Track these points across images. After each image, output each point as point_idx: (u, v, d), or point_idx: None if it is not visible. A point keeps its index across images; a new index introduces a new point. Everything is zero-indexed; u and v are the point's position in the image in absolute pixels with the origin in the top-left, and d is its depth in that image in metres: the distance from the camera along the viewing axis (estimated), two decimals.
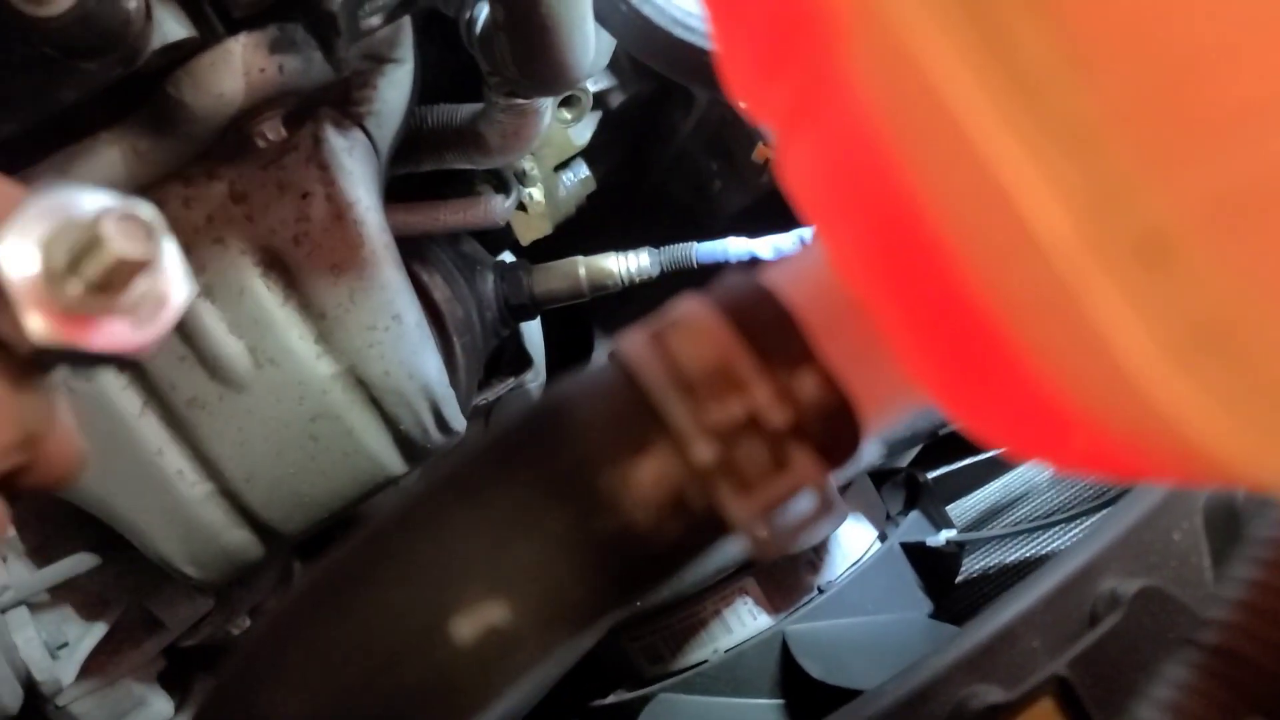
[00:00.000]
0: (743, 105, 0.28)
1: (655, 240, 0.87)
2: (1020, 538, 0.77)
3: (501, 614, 0.26)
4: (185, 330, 0.62)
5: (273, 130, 0.59)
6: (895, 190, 0.21)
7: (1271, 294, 0.14)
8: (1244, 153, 0.13)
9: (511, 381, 0.95)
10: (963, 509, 0.88)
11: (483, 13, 0.60)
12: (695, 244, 0.85)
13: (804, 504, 0.27)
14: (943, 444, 0.87)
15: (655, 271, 0.85)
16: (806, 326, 0.27)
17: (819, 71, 0.23)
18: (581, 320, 1.07)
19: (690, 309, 0.28)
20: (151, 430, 0.64)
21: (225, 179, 0.62)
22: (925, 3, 0.16)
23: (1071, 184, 0.15)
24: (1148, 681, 0.35)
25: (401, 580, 0.26)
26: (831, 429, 0.27)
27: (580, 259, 0.85)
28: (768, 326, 0.27)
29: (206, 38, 0.55)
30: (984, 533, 0.78)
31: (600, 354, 1.10)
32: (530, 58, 0.57)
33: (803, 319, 0.27)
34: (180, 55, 0.55)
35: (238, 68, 0.56)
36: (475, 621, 0.26)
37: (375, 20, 0.51)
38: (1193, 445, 0.16)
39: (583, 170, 1.02)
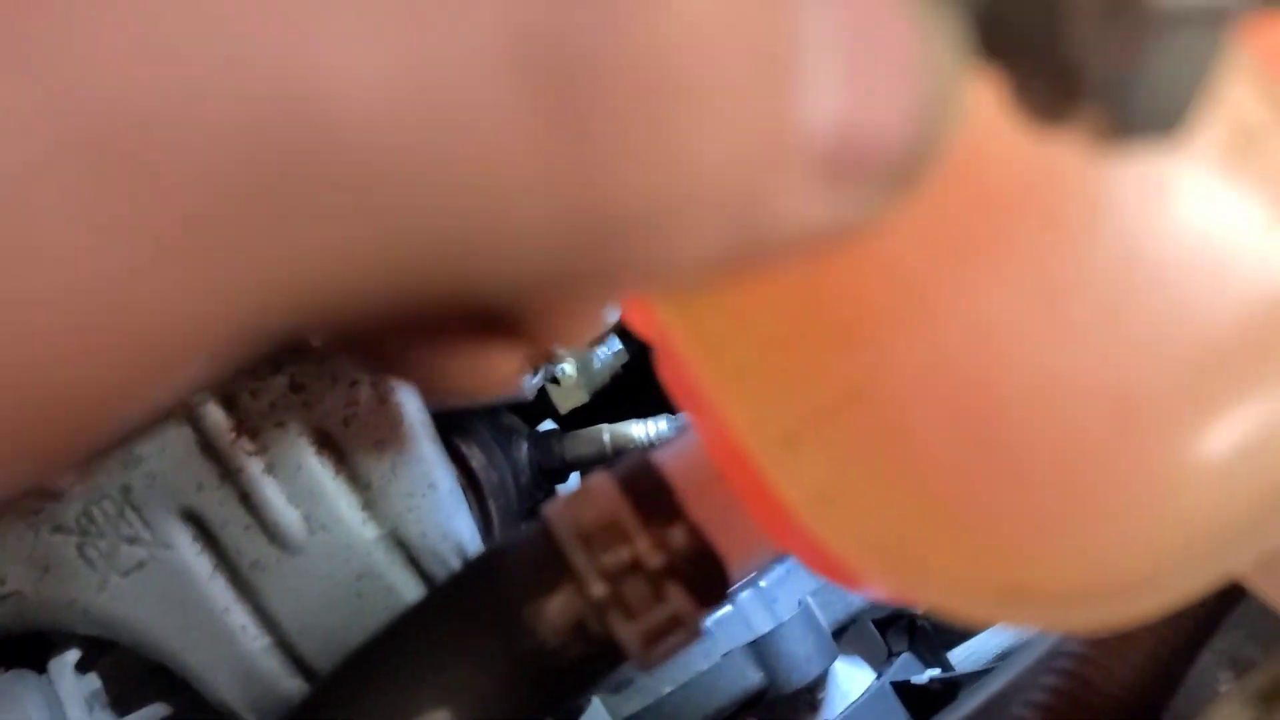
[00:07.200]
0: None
1: None
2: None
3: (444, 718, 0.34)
4: (251, 503, 0.72)
5: None
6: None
7: (858, 470, 0.22)
8: (818, 391, 0.22)
9: None
10: (971, 651, 0.92)
11: None
12: None
13: (680, 631, 0.35)
14: None
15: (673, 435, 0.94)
16: (681, 491, 0.35)
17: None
18: None
19: (595, 479, 0.37)
20: (220, 591, 0.73)
21: (287, 373, 0.73)
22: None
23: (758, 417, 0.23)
24: None
25: (370, 690, 0.35)
26: (699, 570, 0.35)
27: (605, 427, 0.94)
28: (649, 491, 0.35)
29: None
30: (962, 671, 0.82)
31: None
32: None
33: (678, 485, 0.36)
34: None
35: None
36: None
37: None
38: (845, 569, 0.24)
39: (615, 344, 1.13)
